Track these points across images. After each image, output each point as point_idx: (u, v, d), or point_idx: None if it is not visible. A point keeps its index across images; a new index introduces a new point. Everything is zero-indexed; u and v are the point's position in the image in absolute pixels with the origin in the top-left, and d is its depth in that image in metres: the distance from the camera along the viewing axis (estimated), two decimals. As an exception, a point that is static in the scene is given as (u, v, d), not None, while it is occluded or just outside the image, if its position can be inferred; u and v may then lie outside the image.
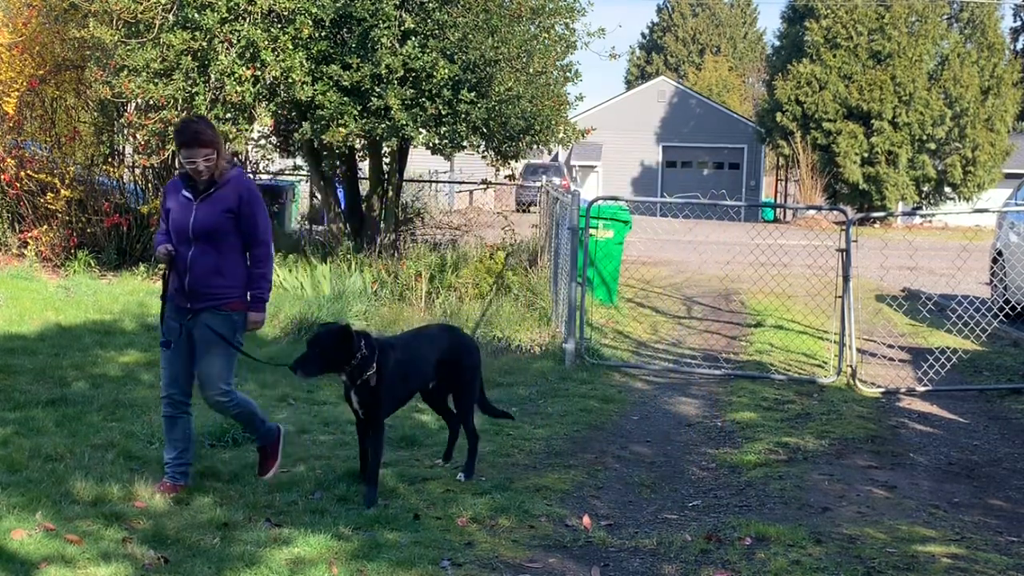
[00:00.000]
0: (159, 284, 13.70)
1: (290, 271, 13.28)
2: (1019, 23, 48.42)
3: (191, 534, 4.96)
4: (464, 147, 14.36)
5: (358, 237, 14.82)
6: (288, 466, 6.10)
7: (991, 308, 11.24)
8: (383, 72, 12.41)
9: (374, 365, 5.52)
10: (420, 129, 13.18)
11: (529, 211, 27.28)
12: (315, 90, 12.55)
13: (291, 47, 12.45)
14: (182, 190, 5.56)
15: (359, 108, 12.69)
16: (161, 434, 5.97)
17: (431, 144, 13.80)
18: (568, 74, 15.40)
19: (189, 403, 5.68)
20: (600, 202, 11.96)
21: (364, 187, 16.17)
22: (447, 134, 13.37)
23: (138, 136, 13.74)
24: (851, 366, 9.27)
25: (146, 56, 12.54)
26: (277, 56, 12.39)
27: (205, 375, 5.54)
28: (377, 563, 4.70)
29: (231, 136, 12.81)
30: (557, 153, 40.79)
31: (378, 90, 12.50)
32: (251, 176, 15.63)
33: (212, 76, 12.68)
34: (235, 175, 5.56)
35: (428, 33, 12.87)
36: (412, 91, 12.55)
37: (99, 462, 5.99)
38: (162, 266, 6.04)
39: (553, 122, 14.57)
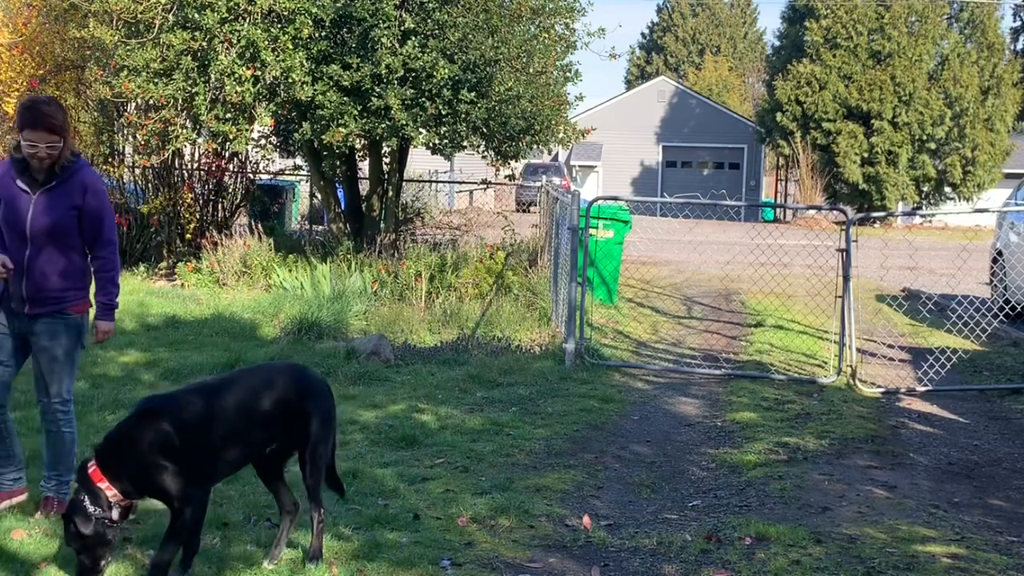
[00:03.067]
0: (159, 284, 13.85)
1: (290, 271, 13.29)
2: (1019, 23, 48.42)
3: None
4: (464, 147, 14.37)
5: (358, 237, 14.83)
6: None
7: (991, 308, 11.23)
8: (383, 72, 12.41)
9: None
10: (420, 129, 13.18)
11: (529, 211, 27.29)
12: (315, 90, 12.55)
13: (291, 47, 12.45)
14: (15, 179, 4.94)
15: (359, 108, 12.69)
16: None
17: (431, 144, 13.81)
18: (568, 74, 15.41)
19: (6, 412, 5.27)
20: (600, 202, 11.96)
21: (364, 187, 16.18)
22: (447, 134, 13.37)
23: (138, 136, 13.74)
24: (851, 366, 9.27)
25: (146, 56, 12.54)
26: (277, 56, 12.39)
27: (48, 382, 5.13)
28: (377, 563, 4.70)
29: (231, 136, 12.82)
30: (557, 153, 40.79)
31: (378, 90, 12.50)
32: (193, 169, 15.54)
33: (212, 76, 12.68)
34: (81, 167, 5.04)
35: (428, 33, 12.87)
36: (412, 91, 12.55)
37: (99, 462, 5.98)
38: None
39: (553, 122, 14.58)
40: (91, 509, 4.09)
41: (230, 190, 16.67)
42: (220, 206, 16.36)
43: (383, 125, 12.69)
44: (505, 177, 16.24)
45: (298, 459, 4.63)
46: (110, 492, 4.11)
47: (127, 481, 4.15)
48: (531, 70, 14.04)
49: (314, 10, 12.54)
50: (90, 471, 4.12)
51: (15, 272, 4.94)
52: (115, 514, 4.13)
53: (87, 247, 5.13)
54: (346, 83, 12.54)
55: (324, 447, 4.61)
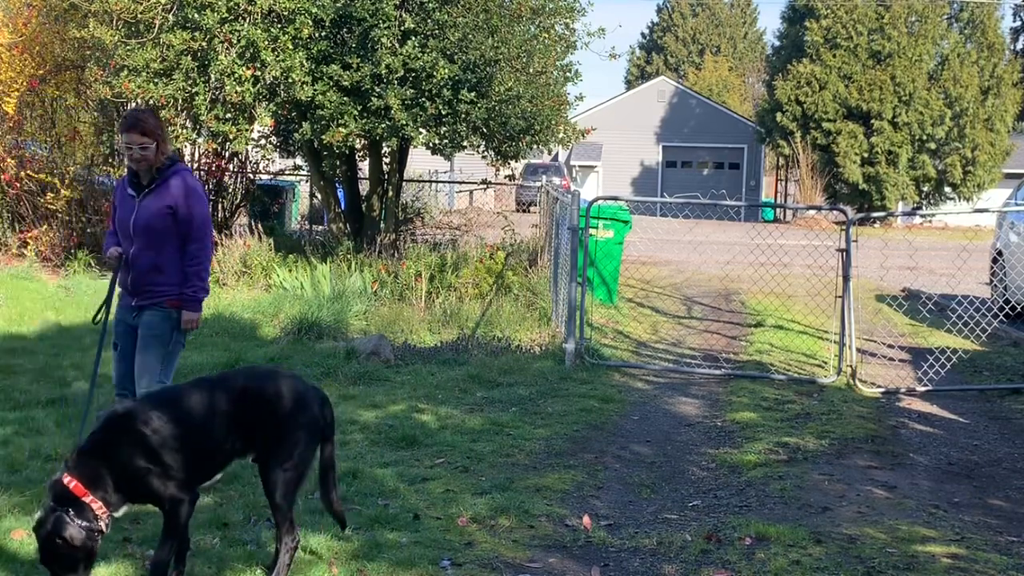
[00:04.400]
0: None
1: (290, 271, 13.29)
2: (1019, 23, 48.40)
3: (191, 534, 4.95)
4: (464, 147, 14.37)
5: (358, 237, 14.83)
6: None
7: (991, 308, 11.23)
8: (383, 72, 12.41)
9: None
10: (420, 129, 13.18)
11: (529, 211, 27.30)
12: (315, 90, 12.55)
13: (291, 47, 12.45)
14: (127, 187, 5.55)
15: (359, 108, 12.69)
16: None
17: (431, 144, 13.81)
18: (568, 74, 15.42)
19: None
20: (600, 202, 11.95)
21: (364, 187, 16.18)
22: (447, 134, 13.38)
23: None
24: (851, 366, 9.27)
25: (146, 56, 12.54)
26: (277, 56, 12.39)
27: (139, 371, 5.48)
28: (377, 563, 4.70)
29: (231, 136, 12.82)
30: (557, 153, 40.79)
31: (378, 90, 12.50)
32: (199, 175, 15.58)
33: (212, 76, 12.68)
34: (178, 171, 5.49)
35: (428, 33, 12.87)
36: (412, 91, 12.55)
37: (99, 462, 5.98)
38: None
39: (553, 122, 14.58)
40: (80, 523, 3.99)
41: (230, 190, 16.67)
42: (220, 206, 16.36)
43: (383, 125, 12.69)
44: (505, 177, 16.24)
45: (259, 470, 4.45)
46: (95, 505, 4.05)
47: (109, 491, 4.09)
48: (531, 70, 14.04)
49: (314, 10, 12.54)
50: (71, 486, 4.03)
51: (125, 268, 5.47)
52: (103, 525, 4.07)
53: (182, 244, 5.48)
54: (346, 83, 12.54)
55: (291, 461, 4.34)
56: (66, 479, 4.05)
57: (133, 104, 14.42)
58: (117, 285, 5.59)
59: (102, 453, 4.12)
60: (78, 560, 4.02)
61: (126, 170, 5.67)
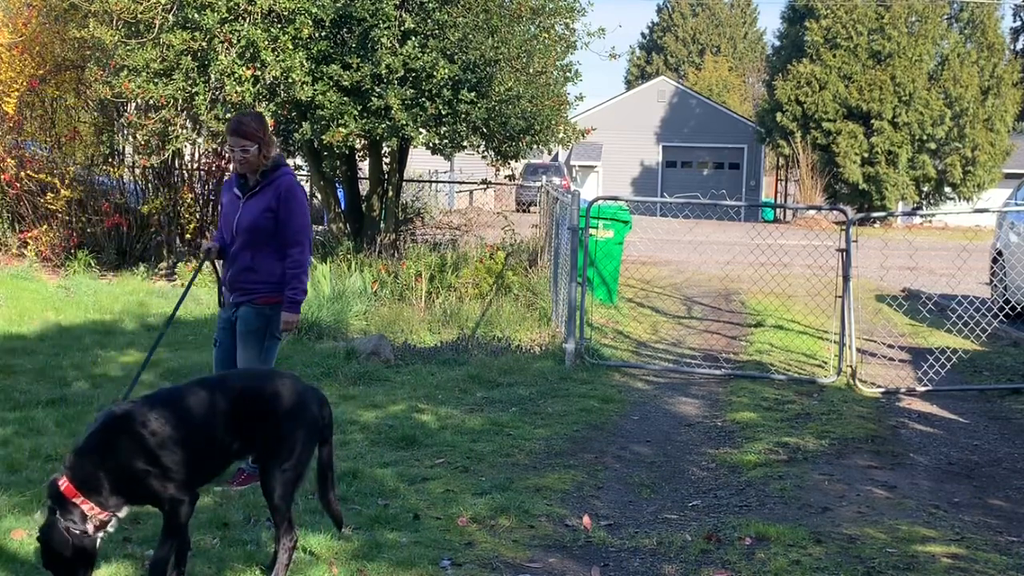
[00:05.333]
0: (159, 284, 13.84)
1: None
2: (1019, 23, 48.41)
3: (191, 534, 4.95)
4: (464, 147, 14.37)
5: (358, 237, 14.83)
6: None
7: (991, 308, 11.23)
8: (383, 72, 12.41)
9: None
10: (420, 129, 13.18)
11: (529, 211, 27.30)
12: (315, 90, 12.55)
13: (291, 47, 12.46)
14: (234, 187, 5.81)
15: (359, 108, 12.69)
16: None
17: (431, 144, 13.81)
18: (568, 74, 15.42)
19: None
20: (600, 202, 11.95)
21: (364, 187, 16.18)
22: (447, 134, 13.38)
23: (138, 136, 13.75)
24: (851, 366, 9.27)
25: (146, 56, 12.54)
26: (277, 56, 12.40)
27: (241, 365, 5.74)
28: (377, 563, 4.70)
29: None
30: (557, 153, 40.80)
31: (378, 90, 12.50)
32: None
33: (212, 76, 12.68)
34: (281, 174, 5.70)
35: (428, 33, 12.87)
36: (412, 91, 12.55)
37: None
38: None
39: (553, 122, 14.59)
40: (65, 525, 3.98)
41: (230, 190, 16.64)
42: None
43: (383, 125, 12.69)
44: (505, 177, 16.25)
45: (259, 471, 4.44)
46: (85, 506, 4.03)
47: (105, 493, 4.07)
48: (531, 70, 14.04)
49: (314, 10, 12.54)
50: (63, 487, 4.03)
51: (227, 264, 5.75)
52: (90, 527, 4.05)
53: (281, 246, 5.67)
54: (346, 83, 12.54)
55: (290, 461, 4.33)
56: (61, 482, 4.05)
57: (133, 104, 14.46)
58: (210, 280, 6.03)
59: (98, 454, 4.10)
60: (69, 561, 4.01)
61: (233, 173, 5.96)
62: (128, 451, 4.11)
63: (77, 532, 4.01)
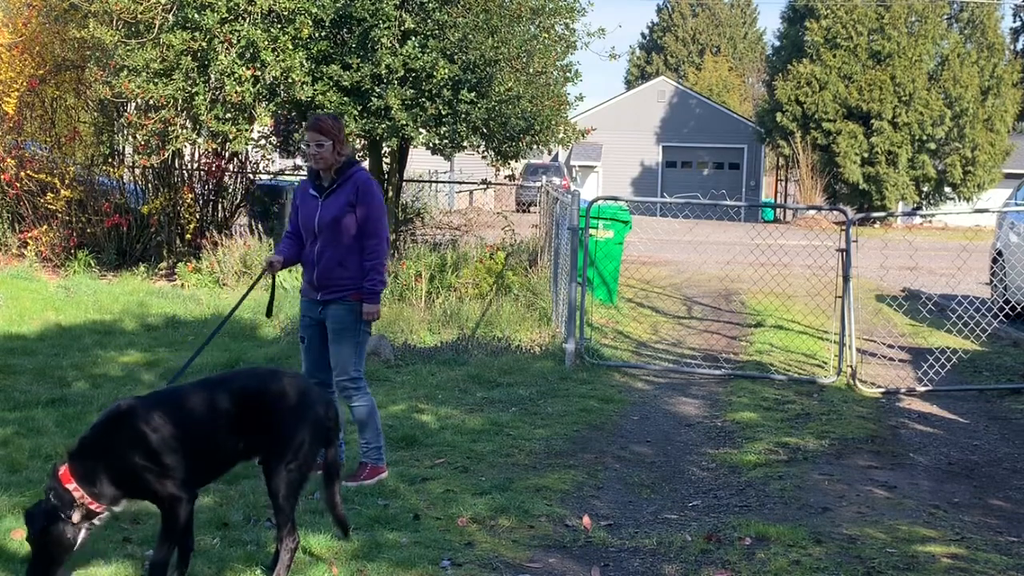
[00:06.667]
0: (159, 284, 13.84)
1: (290, 271, 13.28)
2: (1019, 23, 48.37)
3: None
4: (464, 147, 14.37)
5: (358, 237, 14.81)
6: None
7: (991, 308, 11.23)
8: (383, 72, 12.41)
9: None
10: (420, 129, 13.18)
11: (529, 211, 27.30)
12: (315, 90, 12.55)
13: (291, 47, 12.46)
14: (309, 189, 5.91)
15: (359, 108, 12.69)
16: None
17: (431, 144, 13.81)
18: (568, 74, 15.42)
19: (332, 388, 5.90)
20: (600, 202, 11.95)
21: (364, 187, 16.15)
22: (447, 134, 13.37)
23: (138, 136, 13.75)
24: (851, 366, 9.27)
25: (146, 56, 12.54)
26: (277, 56, 12.40)
27: (334, 362, 5.83)
28: (377, 563, 4.70)
29: (231, 136, 12.82)
30: (557, 153, 40.79)
31: (378, 90, 12.50)
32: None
33: (212, 76, 12.69)
34: (356, 171, 5.83)
35: (428, 33, 12.87)
36: (412, 91, 12.55)
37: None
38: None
39: (553, 122, 14.59)
40: (50, 507, 4.04)
41: (230, 190, 16.66)
42: (220, 206, 16.36)
43: (383, 125, 12.69)
44: (505, 177, 16.25)
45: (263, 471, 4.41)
46: (77, 493, 4.05)
47: (100, 484, 4.08)
48: (531, 70, 14.04)
49: (314, 10, 12.54)
50: (60, 472, 4.07)
51: (308, 264, 5.84)
52: (76, 516, 4.05)
53: (360, 240, 5.79)
54: (346, 83, 12.54)
55: (294, 462, 4.31)
56: (60, 467, 4.11)
57: (133, 104, 14.46)
58: (271, 281, 6.17)
59: (99, 446, 4.13)
60: (42, 542, 4.07)
61: (306, 172, 6.12)
62: (129, 445, 4.12)
63: (61, 516, 4.04)
